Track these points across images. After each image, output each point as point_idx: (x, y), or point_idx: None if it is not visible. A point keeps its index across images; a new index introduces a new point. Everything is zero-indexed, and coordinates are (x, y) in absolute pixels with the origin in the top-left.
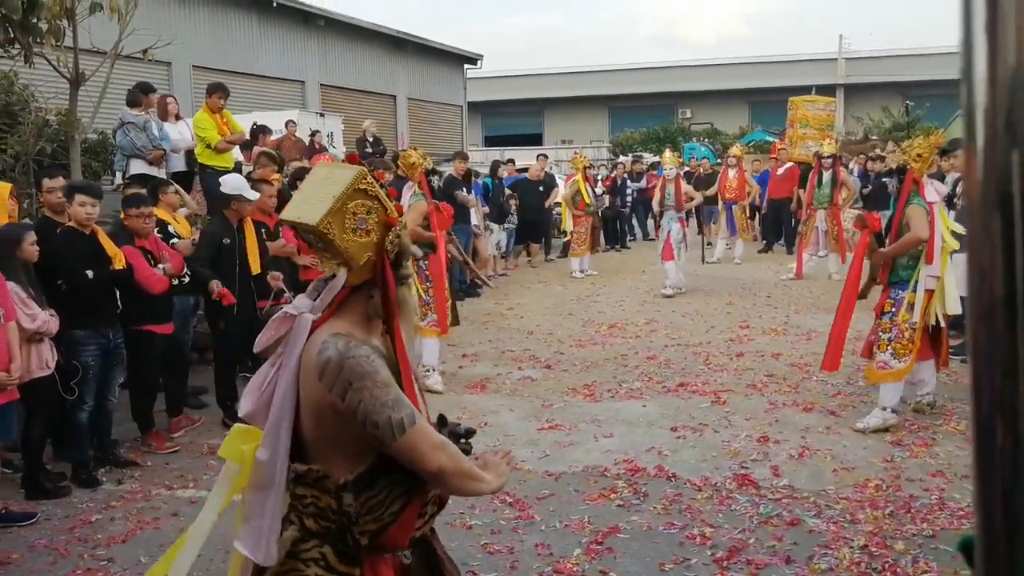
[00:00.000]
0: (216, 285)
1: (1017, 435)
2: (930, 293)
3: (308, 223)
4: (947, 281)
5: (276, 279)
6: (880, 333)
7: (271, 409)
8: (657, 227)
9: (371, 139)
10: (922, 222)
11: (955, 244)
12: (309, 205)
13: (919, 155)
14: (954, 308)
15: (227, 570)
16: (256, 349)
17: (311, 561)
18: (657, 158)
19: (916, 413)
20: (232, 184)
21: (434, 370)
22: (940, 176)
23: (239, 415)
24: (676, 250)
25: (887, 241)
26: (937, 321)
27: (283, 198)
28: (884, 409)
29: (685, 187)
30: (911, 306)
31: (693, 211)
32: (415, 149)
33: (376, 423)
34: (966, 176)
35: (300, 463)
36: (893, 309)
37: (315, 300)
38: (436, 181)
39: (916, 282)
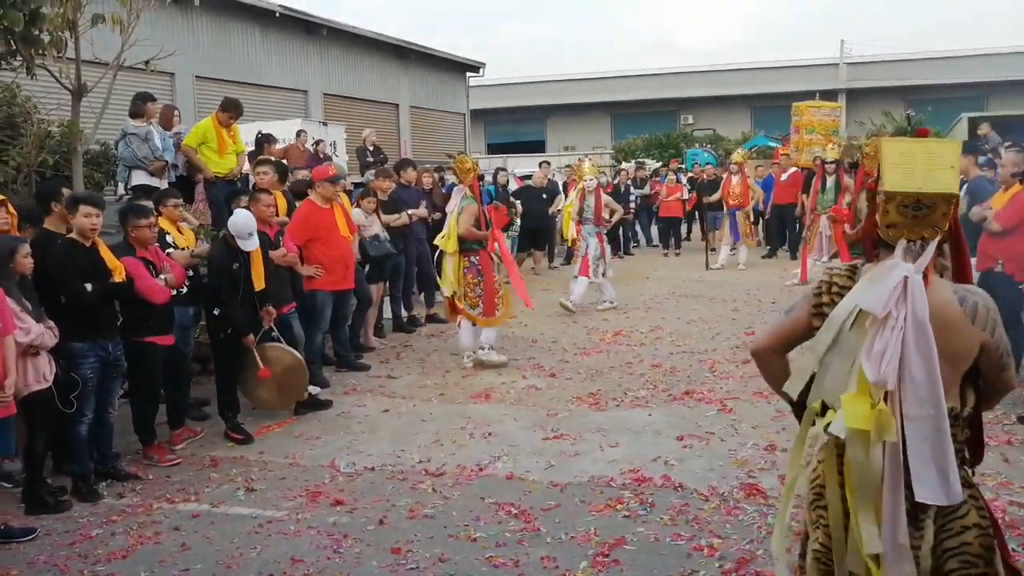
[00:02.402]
0: (251, 342)
1: None
2: None
3: (944, 192)
4: None
5: (269, 315)
6: None
7: (911, 366)
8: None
9: (371, 148)
10: None
11: None
12: (929, 177)
13: (867, 153)
14: None
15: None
16: (881, 312)
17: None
18: (659, 164)
19: None
20: (238, 226)
21: (491, 347)
22: None
23: (870, 381)
24: (594, 267)
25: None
26: None
27: (289, 205)
28: None
29: (606, 199)
30: None
31: (696, 217)
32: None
33: (1008, 350)
34: None
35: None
36: None
37: (912, 262)
38: (483, 185)
39: None
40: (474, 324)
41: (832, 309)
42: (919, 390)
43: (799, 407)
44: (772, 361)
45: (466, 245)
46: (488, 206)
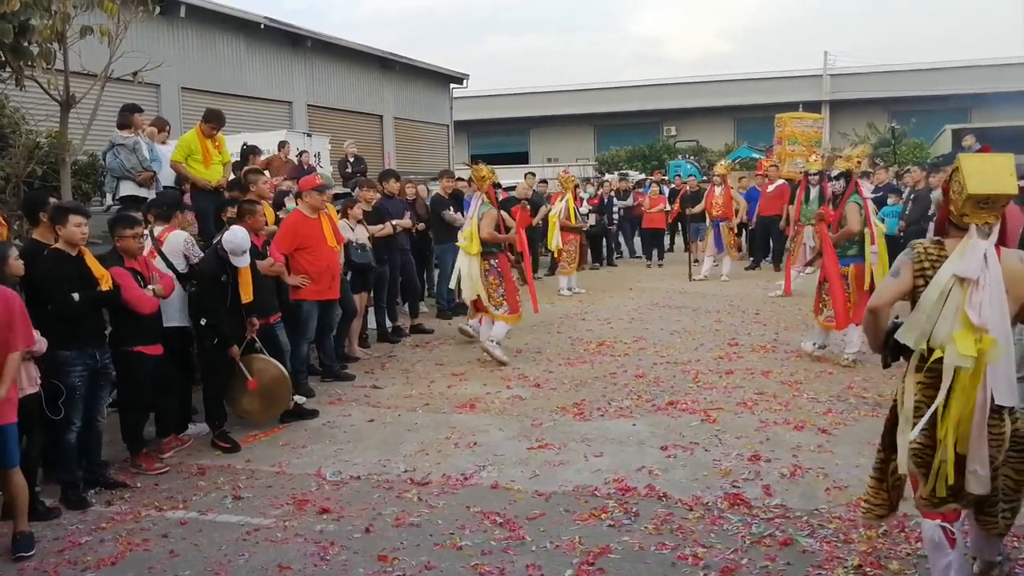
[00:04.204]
0: (236, 353)
1: None
2: (871, 266)
3: (1008, 192)
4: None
5: (252, 326)
6: (824, 296)
7: (996, 312)
8: None
9: (352, 159)
10: (856, 218)
11: (884, 228)
12: (1003, 180)
13: (859, 162)
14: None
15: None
16: (974, 276)
17: None
18: (642, 176)
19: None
20: (234, 244)
21: (499, 343)
22: (928, 190)
23: (974, 323)
24: None
25: (832, 229)
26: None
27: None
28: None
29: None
30: (845, 276)
31: (679, 228)
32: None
33: None
34: None
35: None
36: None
37: (985, 239)
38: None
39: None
40: (493, 321)
41: (931, 272)
42: (995, 327)
43: (892, 352)
44: (885, 315)
45: (486, 248)
46: (516, 207)
